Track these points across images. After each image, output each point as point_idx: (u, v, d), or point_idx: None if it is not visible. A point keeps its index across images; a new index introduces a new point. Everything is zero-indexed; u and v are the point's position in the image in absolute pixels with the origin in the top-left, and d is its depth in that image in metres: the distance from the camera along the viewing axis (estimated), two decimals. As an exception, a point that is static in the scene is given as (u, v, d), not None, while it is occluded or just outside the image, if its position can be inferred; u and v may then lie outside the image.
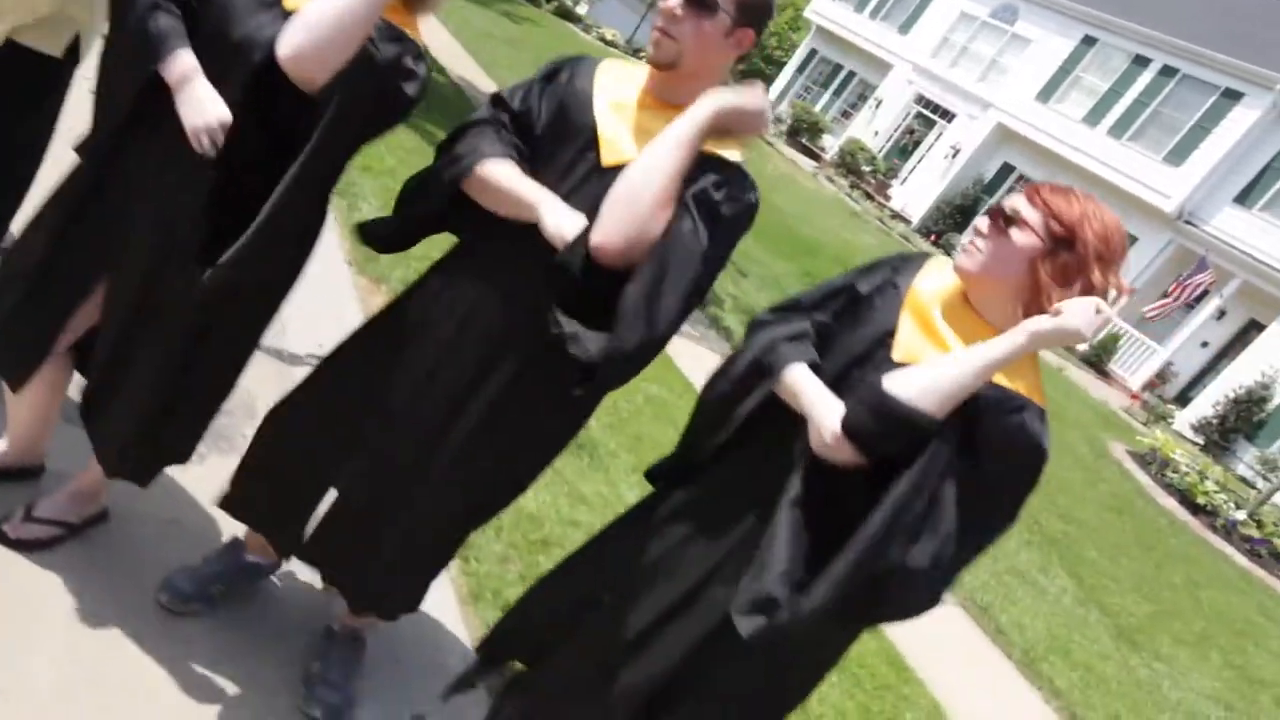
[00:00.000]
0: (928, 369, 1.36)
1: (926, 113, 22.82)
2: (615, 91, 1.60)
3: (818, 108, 25.32)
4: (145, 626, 1.84)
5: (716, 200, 1.50)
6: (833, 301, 1.55)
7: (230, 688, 1.84)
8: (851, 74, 25.35)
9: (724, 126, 1.47)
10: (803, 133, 24.22)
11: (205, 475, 2.11)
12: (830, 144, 24.12)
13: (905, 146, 23.15)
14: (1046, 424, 1.40)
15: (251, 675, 1.88)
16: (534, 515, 2.86)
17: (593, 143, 1.56)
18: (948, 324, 1.44)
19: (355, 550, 1.77)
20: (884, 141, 23.37)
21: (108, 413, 1.74)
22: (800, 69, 26.93)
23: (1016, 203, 1.42)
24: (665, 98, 1.57)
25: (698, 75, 1.53)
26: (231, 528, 2.05)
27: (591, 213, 1.47)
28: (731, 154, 1.56)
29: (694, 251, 1.47)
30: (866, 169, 22.42)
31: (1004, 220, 1.41)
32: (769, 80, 26.80)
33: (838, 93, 25.69)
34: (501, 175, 1.55)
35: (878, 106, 23.85)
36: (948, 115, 22.15)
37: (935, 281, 1.49)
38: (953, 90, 22.08)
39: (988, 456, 1.36)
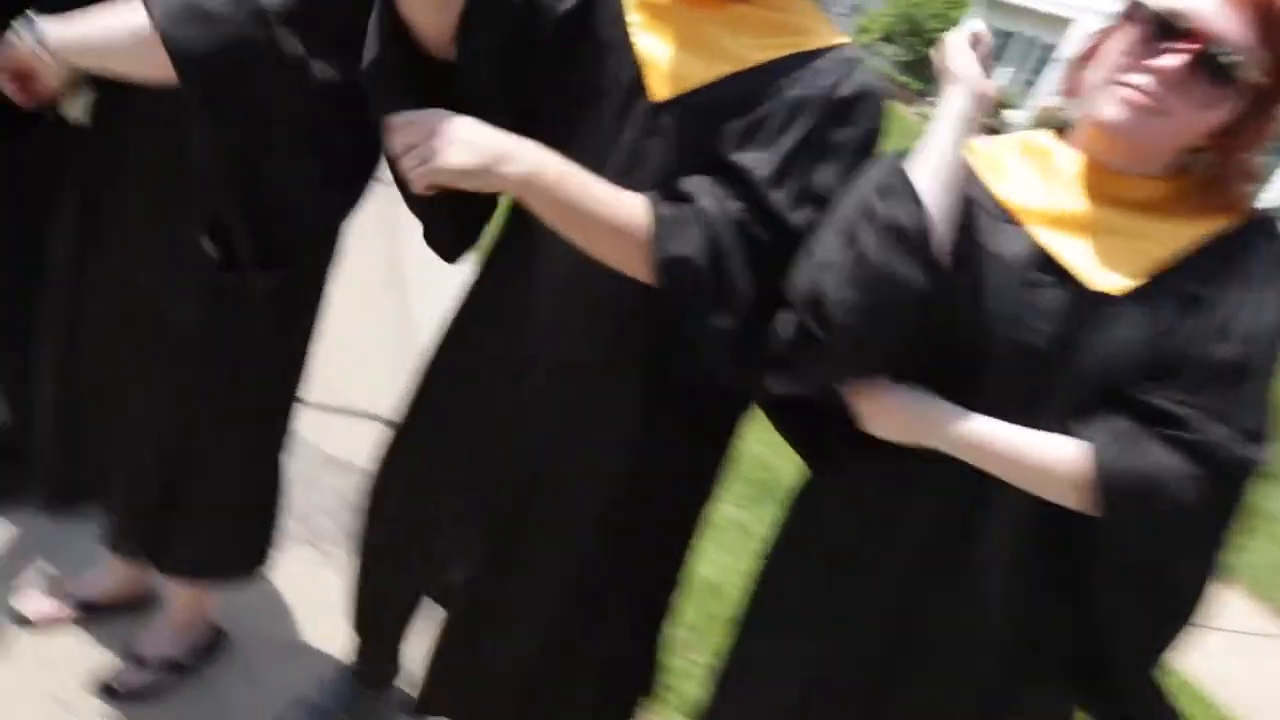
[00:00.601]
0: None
1: (1124, 61, 20.48)
2: None
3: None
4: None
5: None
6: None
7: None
8: (1029, 39, 23.39)
9: None
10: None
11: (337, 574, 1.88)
12: (1017, 119, 22.21)
13: (1105, 102, 20.88)
14: None
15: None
16: (715, 583, 2.42)
17: (631, 68, 1.11)
18: (1089, 203, 1.01)
19: (468, 677, 1.42)
20: (1079, 102, 21.19)
21: (113, 501, 1.52)
22: (969, 47, 25.23)
23: (1234, 39, 0.89)
24: None
25: None
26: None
27: (643, 173, 1.07)
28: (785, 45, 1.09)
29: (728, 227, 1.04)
30: (1064, 136, 20.37)
31: (1213, 71, 0.91)
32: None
33: (1016, 63, 23.75)
34: None
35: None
36: (1150, 58, 19.74)
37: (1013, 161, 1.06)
38: (1152, 30, 19.68)
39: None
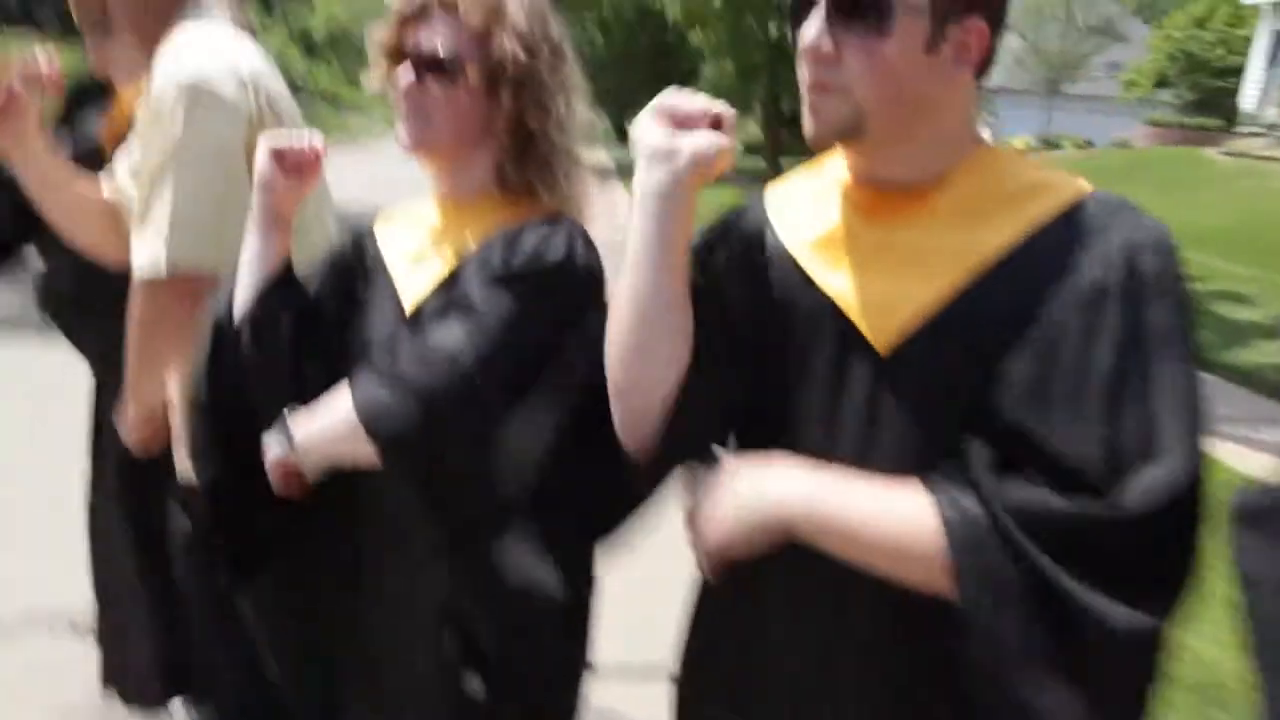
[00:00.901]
0: None
1: None
2: (810, 222, 0.91)
3: (1317, 89, 20.05)
4: None
5: None
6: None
7: None
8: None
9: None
10: (1312, 126, 19.16)
11: None
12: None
13: None
14: None
15: None
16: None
17: (835, 320, 0.86)
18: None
19: None
20: None
21: None
22: (1271, 61, 22.01)
23: None
24: (882, 177, 0.87)
25: (914, 126, 0.82)
26: None
27: (886, 432, 0.84)
28: None
29: None
30: None
31: None
32: (1231, 94, 22.29)
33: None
34: None
35: None
36: None
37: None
38: None
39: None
